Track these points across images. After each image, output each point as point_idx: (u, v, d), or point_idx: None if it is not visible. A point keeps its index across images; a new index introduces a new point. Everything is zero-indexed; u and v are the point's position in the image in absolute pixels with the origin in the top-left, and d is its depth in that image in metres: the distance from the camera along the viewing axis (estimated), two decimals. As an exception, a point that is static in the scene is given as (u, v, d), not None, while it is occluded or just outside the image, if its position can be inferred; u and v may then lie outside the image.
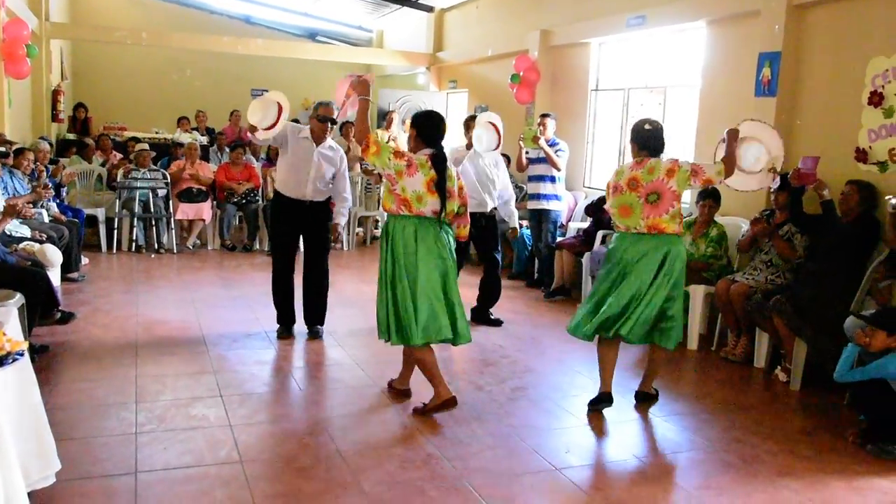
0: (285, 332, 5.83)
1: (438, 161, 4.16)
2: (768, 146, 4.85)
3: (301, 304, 5.87)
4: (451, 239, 4.36)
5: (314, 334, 5.80)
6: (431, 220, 4.21)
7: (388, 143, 4.65)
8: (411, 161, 4.13)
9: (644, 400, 4.69)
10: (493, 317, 6.46)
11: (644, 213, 4.27)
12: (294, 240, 5.76)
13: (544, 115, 7.67)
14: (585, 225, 7.84)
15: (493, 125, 6.20)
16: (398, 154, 4.15)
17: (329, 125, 5.49)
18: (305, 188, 5.54)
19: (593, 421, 4.42)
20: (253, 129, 5.27)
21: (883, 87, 5.36)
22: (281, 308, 5.85)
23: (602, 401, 4.52)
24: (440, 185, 4.14)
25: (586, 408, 4.54)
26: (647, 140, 4.40)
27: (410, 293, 4.16)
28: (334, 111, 5.48)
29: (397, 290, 4.19)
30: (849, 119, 5.61)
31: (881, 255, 4.99)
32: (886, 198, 4.99)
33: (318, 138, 5.53)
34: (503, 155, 9.34)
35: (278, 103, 5.26)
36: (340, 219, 5.71)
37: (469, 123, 6.43)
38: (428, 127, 4.31)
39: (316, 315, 5.84)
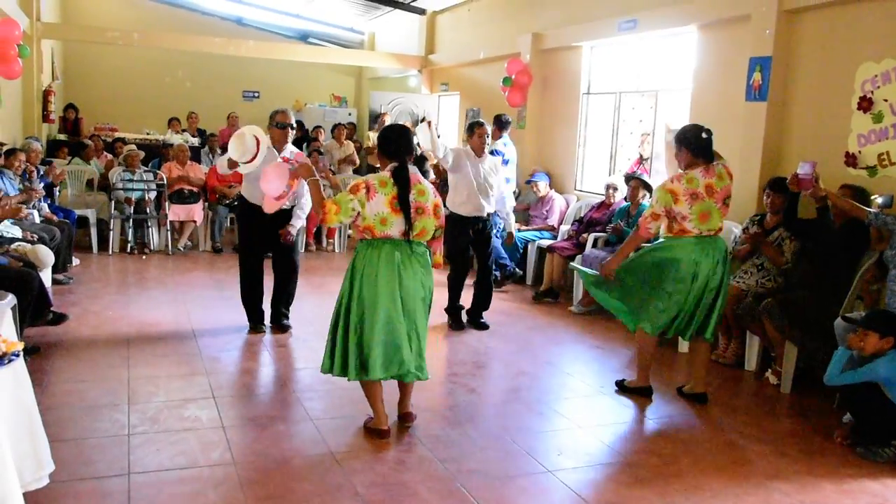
0: (260, 327, 6.03)
1: (399, 173, 3.87)
2: None
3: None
4: (426, 264, 4.04)
5: (286, 327, 6.07)
6: (400, 242, 3.91)
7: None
8: (369, 185, 3.84)
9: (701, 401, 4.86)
10: (481, 320, 6.49)
11: (721, 217, 4.60)
12: (265, 243, 5.91)
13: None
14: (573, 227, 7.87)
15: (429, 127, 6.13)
16: (354, 189, 3.84)
17: (289, 130, 5.70)
18: None
19: (585, 423, 4.45)
20: (234, 164, 5.44)
21: (872, 92, 5.41)
22: (254, 307, 6.05)
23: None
24: (402, 199, 3.83)
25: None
26: (707, 148, 4.56)
27: (369, 323, 3.87)
28: (291, 117, 5.73)
29: (351, 319, 3.92)
30: (839, 124, 5.66)
31: (871, 259, 5.03)
32: (872, 197, 5.05)
33: (278, 145, 5.69)
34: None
35: (255, 137, 5.42)
36: (296, 222, 5.79)
37: (475, 129, 6.27)
38: (385, 142, 4.04)
39: (286, 307, 6.13)
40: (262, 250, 6.01)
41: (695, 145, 4.54)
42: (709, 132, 4.57)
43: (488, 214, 6.31)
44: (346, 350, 3.93)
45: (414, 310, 3.95)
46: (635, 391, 4.89)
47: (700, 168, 4.52)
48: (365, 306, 3.87)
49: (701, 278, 4.55)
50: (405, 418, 4.23)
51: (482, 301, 6.49)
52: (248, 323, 6.04)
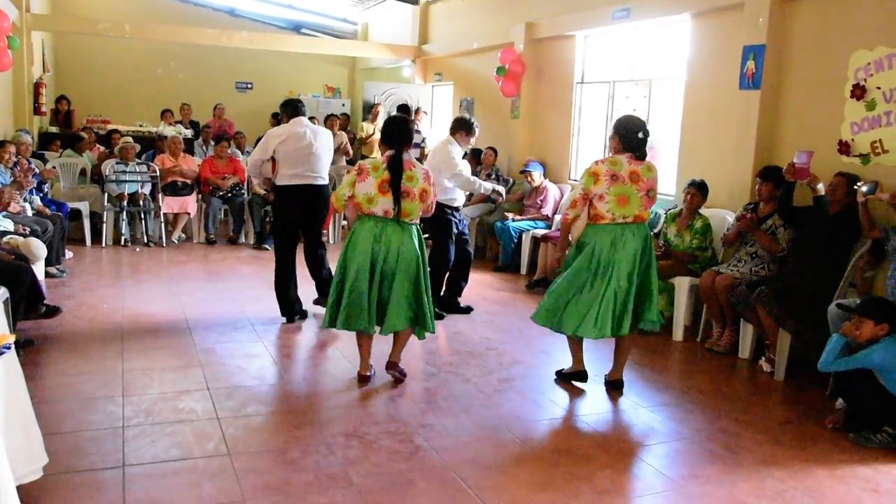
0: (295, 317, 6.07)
1: (392, 162, 4.42)
2: None
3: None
4: (415, 239, 4.54)
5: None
6: (386, 219, 4.44)
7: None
8: (362, 168, 4.48)
9: (617, 388, 4.82)
10: (462, 304, 6.59)
11: (642, 206, 4.51)
12: (302, 226, 6.08)
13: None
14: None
15: None
16: (350, 176, 4.52)
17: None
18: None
19: (580, 412, 4.46)
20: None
21: (865, 80, 5.41)
22: (287, 298, 6.05)
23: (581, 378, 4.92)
24: (393, 184, 4.38)
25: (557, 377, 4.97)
26: (641, 146, 4.55)
27: (350, 281, 4.44)
28: None
29: (345, 277, 4.49)
30: (832, 112, 5.66)
31: (864, 246, 5.04)
32: (856, 186, 5.03)
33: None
34: (490, 148, 9.42)
35: None
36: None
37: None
38: (385, 130, 4.62)
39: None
40: (297, 236, 6.05)
41: (627, 139, 4.53)
42: (646, 133, 4.56)
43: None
44: (332, 304, 4.55)
45: (397, 276, 4.44)
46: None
47: (627, 155, 4.52)
48: (345, 269, 4.48)
49: (615, 268, 4.46)
50: (390, 366, 4.73)
51: (459, 285, 6.58)
52: (282, 315, 6.03)
